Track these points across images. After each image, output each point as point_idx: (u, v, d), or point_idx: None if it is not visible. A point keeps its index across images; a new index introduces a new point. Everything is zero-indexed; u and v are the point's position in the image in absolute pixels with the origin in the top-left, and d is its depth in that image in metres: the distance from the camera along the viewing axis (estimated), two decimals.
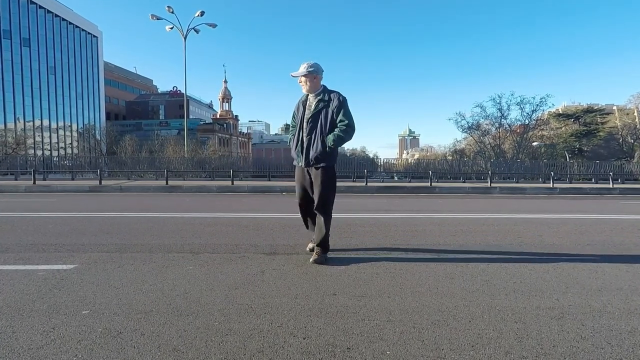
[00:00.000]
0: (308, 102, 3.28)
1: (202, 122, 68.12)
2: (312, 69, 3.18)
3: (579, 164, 20.98)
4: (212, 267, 3.02)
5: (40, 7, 52.71)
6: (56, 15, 55.22)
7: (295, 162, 3.36)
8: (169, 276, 2.75)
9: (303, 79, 3.21)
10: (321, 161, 3.18)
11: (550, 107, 38.94)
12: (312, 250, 3.42)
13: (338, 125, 3.16)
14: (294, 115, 3.44)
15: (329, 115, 3.17)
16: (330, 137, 3.15)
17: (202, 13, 21.79)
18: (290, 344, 1.73)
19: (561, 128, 40.21)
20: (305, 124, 3.24)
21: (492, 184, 15.17)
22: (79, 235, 4.30)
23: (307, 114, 3.24)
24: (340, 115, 3.15)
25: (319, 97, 3.22)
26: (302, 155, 3.23)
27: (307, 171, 3.27)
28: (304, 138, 3.23)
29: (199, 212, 6.59)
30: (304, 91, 3.27)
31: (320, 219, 3.24)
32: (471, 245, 3.93)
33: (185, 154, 25.04)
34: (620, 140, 40.09)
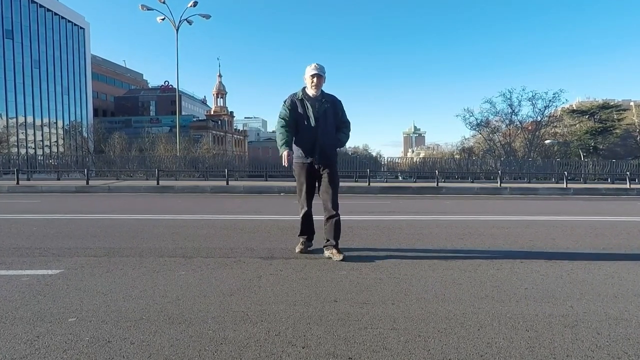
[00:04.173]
0: (310, 101, 3.47)
1: (195, 119, 68.21)
2: (324, 71, 3.50)
3: (594, 163, 21.03)
4: (206, 272, 3.02)
5: None
6: (41, 6, 55.25)
7: (302, 160, 3.49)
8: (160, 282, 2.75)
9: (322, 78, 3.46)
10: (334, 158, 3.59)
11: (563, 102, 39.03)
12: (301, 250, 3.65)
13: (344, 126, 3.64)
14: (288, 114, 3.49)
15: (336, 115, 3.57)
16: (344, 136, 3.63)
17: (195, 3, 21.80)
18: (289, 354, 1.73)
19: (575, 125, 40.23)
20: (314, 122, 3.44)
21: (502, 185, 15.18)
22: (65, 239, 4.30)
23: (314, 113, 3.45)
24: (345, 116, 3.65)
25: (324, 98, 3.50)
26: (317, 152, 3.44)
27: (317, 168, 3.50)
28: (319, 136, 3.43)
29: (192, 214, 6.60)
30: (315, 91, 3.47)
31: (336, 217, 3.48)
32: (480, 249, 3.94)
33: (178, 152, 25.05)
34: (638, 138, 40.10)
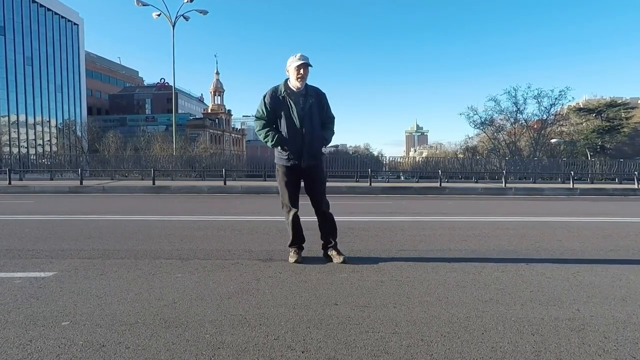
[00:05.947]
0: (294, 97, 3.28)
1: (191, 117, 68.20)
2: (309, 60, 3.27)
3: (601, 163, 21.01)
4: (203, 274, 3.02)
5: None
6: (33, 1, 55.28)
7: (285, 162, 3.34)
8: (156, 284, 2.75)
9: (308, 69, 3.26)
10: (321, 157, 3.48)
11: (570, 100, 38.97)
12: (297, 260, 3.39)
13: (329, 121, 3.49)
14: (266, 114, 3.34)
15: (322, 110, 3.41)
16: (329, 133, 3.48)
17: None
18: (288, 358, 1.73)
19: (582, 124, 40.25)
20: (299, 120, 3.26)
21: (507, 185, 15.18)
22: (59, 240, 4.31)
23: (299, 112, 3.26)
24: (330, 110, 3.49)
25: (307, 92, 3.32)
26: (304, 155, 3.28)
27: (301, 170, 3.35)
28: (305, 138, 3.26)
29: (189, 215, 6.60)
30: (301, 84, 3.27)
31: (329, 215, 3.49)
32: (484, 251, 3.94)
33: (174, 151, 25.06)
34: None
